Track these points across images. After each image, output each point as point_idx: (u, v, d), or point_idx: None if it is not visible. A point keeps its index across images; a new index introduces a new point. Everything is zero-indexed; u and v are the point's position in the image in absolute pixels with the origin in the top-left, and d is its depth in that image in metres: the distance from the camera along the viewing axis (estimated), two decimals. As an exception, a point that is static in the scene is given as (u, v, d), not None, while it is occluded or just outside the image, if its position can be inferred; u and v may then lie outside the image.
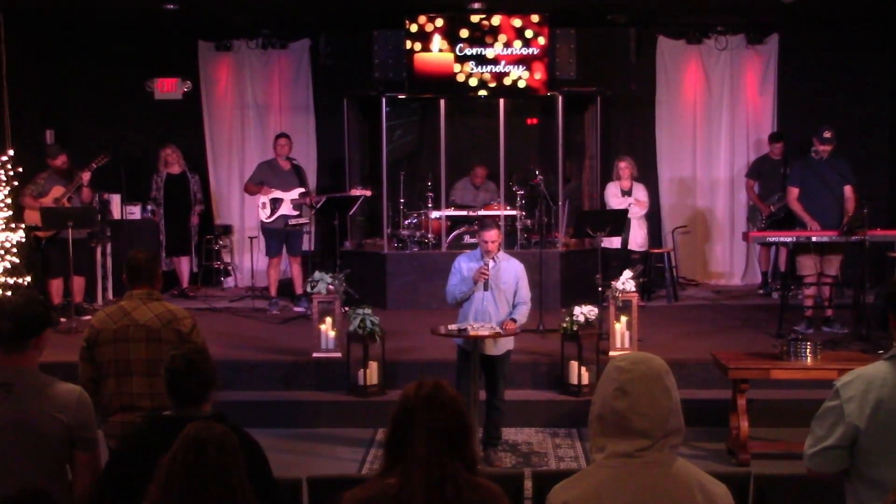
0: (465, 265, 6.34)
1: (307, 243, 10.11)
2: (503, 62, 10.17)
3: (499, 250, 6.38)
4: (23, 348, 3.38)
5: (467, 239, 10.04)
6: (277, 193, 9.71)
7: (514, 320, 6.24)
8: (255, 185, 9.84)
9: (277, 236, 9.80)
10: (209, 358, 3.44)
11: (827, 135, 8.50)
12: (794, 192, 8.72)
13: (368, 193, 9.75)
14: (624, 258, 9.74)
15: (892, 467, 2.95)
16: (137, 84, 11.50)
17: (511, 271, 6.32)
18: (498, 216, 10.11)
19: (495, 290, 6.26)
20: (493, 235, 6.27)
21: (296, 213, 9.74)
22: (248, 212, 11.46)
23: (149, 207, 10.89)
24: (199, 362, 3.35)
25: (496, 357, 6.30)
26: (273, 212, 9.72)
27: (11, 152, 8.74)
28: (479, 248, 6.35)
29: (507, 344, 6.38)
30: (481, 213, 9.94)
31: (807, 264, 8.56)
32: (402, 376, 7.25)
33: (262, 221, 9.85)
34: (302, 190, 9.66)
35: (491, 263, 6.26)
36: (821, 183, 8.57)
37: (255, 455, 3.28)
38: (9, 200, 8.63)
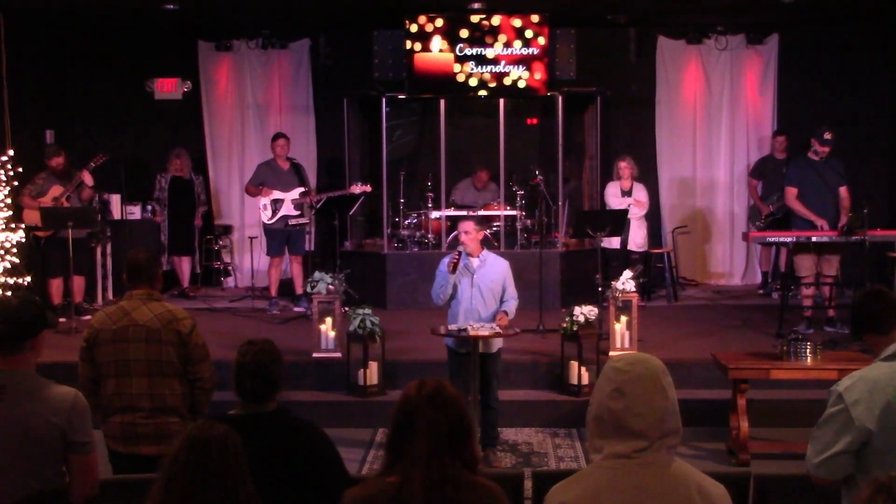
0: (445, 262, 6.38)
1: (308, 243, 10.12)
2: (503, 62, 10.16)
3: (482, 248, 6.42)
4: (18, 350, 3.36)
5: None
6: (278, 194, 9.71)
7: (505, 312, 6.27)
8: (255, 187, 9.84)
9: (279, 236, 9.80)
10: (279, 359, 3.46)
11: (827, 136, 8.51)
12: (792, 191, 8.74)
13: (369, 189, 9.72)
14: (624, 258, 9.75)
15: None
16: (137, 84, 11.49)
17: (497, 269, 6.35)
18: (497, 216, 10.13)
19: (482, 288, 6.28)
20: (468, 226, 6.36)
21: (297, 213, 9.74)
22: (248, 212, 11.46)
23: (149, 207, 10.89)
24: (267, 364, 3.39)
25: (488, 355, 6.29)
26: (274, 213, 9.71)
27: (11, 152, 8.74)
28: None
29: (499, 341, 6.38)
30: (481, 212, 9.94)
31: (804, 265, 8.57)
32: (402, 376, 7.25)
33: (263, 223, 9.87)
34: (302, 189, 9.65)
35: (476, 262, 6.30)
36: (819, 183, 8.60)
37: (329, 451, 3.37)
38: (9, 200, 8.63)
